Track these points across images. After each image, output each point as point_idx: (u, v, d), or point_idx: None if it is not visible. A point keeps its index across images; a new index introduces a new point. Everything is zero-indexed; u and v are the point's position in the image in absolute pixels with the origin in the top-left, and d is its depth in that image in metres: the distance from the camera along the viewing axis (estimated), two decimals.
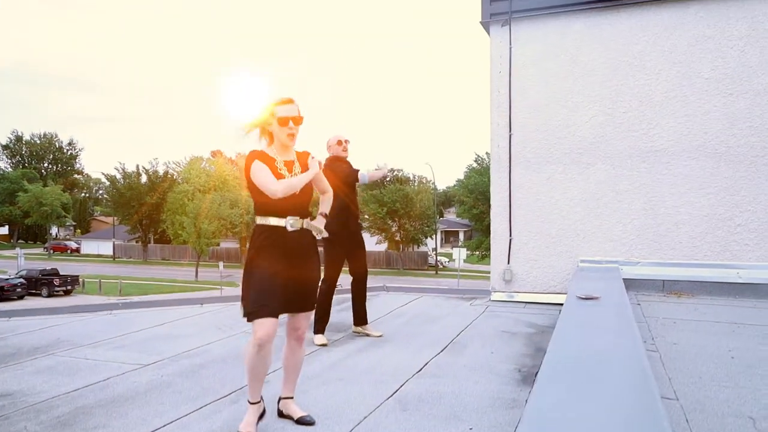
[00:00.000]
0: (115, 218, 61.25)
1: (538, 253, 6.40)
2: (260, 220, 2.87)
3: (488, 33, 6.62)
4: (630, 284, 5.90)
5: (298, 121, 2.88)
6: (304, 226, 2.89)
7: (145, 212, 57.22)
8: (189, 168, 59.30)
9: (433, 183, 59.46)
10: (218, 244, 52.01)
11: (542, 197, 6.39)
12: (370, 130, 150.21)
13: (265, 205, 2.86)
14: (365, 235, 55.10)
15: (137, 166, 59.85)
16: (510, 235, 6.48)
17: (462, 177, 59.68)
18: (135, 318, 6.00)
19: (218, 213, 45.62)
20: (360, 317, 5.03)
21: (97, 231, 75.90)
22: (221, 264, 31.02)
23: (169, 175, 59.57)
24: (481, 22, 6.58)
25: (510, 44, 6.45)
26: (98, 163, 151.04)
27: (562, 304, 6.02)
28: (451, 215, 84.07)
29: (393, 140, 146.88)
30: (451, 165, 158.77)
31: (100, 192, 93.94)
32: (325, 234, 3.03)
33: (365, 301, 5.05)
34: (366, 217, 54.29)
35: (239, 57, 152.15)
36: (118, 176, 59.39)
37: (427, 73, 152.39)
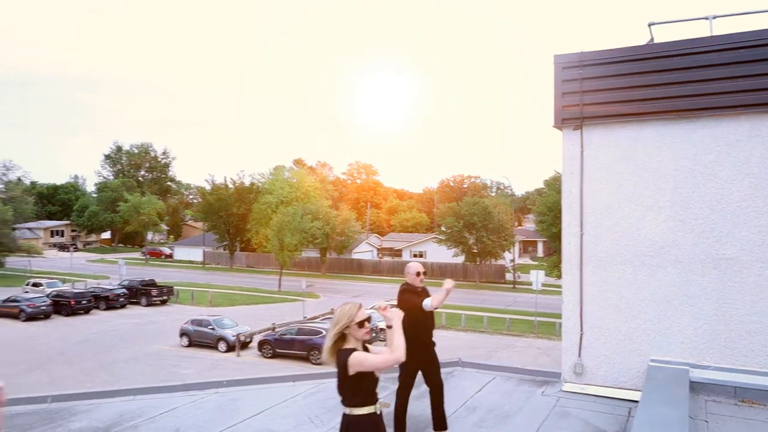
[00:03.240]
0: (204, 225, 65.00)
1: (609, 349, 6.66)
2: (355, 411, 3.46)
3: (561, 133, 6.95)
4: (700, 388, 6.09)
5: (370, 319, 3.51)
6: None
7: (232, 222, 60.45)
8: (273, 180, 61.98)
9: (511, 189, 58.90)
10: (301, 253, 53.97)
11: (613, 296, 6.65)
12: (451, 132, 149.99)
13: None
14: (441, 249, 55.21)
15: (225, 178, 63.26)
16: (581, 330, 6.78)
17: (541, 184, 58.75)
18: (237, 399, 6.81)
19: (300, 226, 47.40)
20: (439, 424, 5.53)
21: (188, 238, 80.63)
22: (304, 282, 32.49)
23: (254, 186, 62.45)
24: (554, 126, 6.92)
25: (582, 147, 6.76)
26: (188, 167, 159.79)
27: (632, 401, 6.36)
28: (529, 223, 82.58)
29: (470, 143, 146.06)
30: (531, 166, 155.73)
31: (191, 196, 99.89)
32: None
33: (443, 408, 5.53)
34: (443, 229, 54.63)
35: (329, 59, 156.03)
36: (208, 187, 62.95)
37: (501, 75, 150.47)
